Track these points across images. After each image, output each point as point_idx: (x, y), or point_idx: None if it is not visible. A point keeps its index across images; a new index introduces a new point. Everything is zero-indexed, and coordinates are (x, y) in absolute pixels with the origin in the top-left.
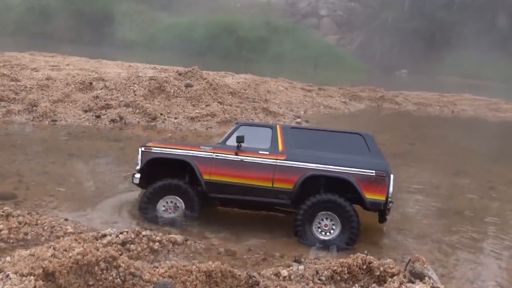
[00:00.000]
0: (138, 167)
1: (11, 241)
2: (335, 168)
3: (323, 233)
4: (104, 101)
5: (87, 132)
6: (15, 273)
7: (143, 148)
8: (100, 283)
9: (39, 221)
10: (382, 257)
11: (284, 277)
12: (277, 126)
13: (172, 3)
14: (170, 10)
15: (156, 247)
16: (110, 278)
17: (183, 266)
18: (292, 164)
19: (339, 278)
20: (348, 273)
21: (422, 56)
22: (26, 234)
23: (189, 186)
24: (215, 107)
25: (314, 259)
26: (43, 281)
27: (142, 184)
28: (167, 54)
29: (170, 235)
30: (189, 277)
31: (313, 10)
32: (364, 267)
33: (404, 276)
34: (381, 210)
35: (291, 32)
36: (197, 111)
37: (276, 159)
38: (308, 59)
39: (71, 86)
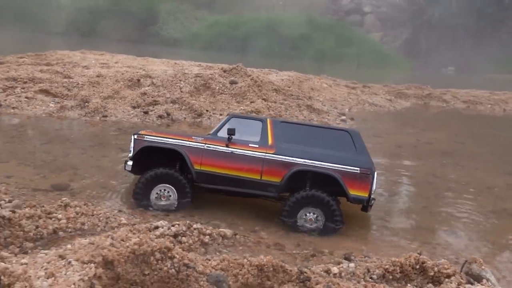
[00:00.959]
0: (130, 155)
1: (69, 230)
2: (322, 164)
3: (309, 224)
4: (152, 97)
5: (136, 128)
6: (77, 260)
7: (135, 136)
8: (155, 272)
9: (94, 212)
10: (435, 257)
11: (335, 274)
12: (268, 119)
13: (214, 1)
14: (213, 8)
15: (206, 240)
16: (165, 268)
17: (235, 260)
18: (280, 158)
19: (391, 277)
20: (400, 272)
21: (470, 53)
22: (83, 224)
23: (181, 174)
24: (259, 104)
25: (364, 257)
26: (102, 268)
27: (135, 170)
28: (210, 52)
29: (220, 229)
30: (240, 270)
31: (356, 7)
32: (417, 267)
33: (461, 277)
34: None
35: (334, 29)
36: (241, 107)
37: (266, 153)
38: (351, 56)
39: (120, 83)
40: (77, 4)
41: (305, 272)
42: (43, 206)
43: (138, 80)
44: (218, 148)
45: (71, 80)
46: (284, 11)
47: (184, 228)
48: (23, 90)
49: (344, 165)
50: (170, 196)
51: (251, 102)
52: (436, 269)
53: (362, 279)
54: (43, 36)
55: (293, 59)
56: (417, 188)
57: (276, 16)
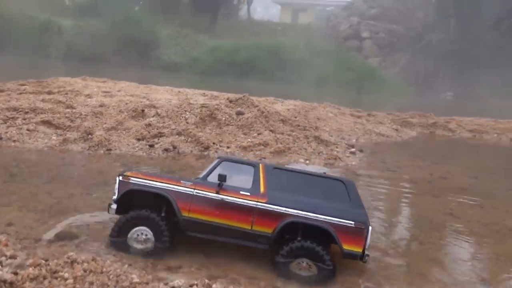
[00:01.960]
0: (114, 197)
1: None
2: (314, 216)
3: (303, 272)
4: (157, 129)
5: (141, 163)
6: None
7: (120, 178)
8: None
9: (104, 269)
10: None
11: None
12: (260, 164)
13: (214, 27)
14: (212, 33)
15: None
16: None
17: None
18: (272, 208)
19: None
20: None
21: (468, 78)
22: (91, 283)
23: (160, 218)
24: (267, 135)
25: None
26: None
27: (120, 212)
28: (210, 77)
29: None
30: None
31: (354, 32)
32: None
33: None
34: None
35: (333, 54)
36: (249, 140)
37: (257, 201)
38: (351, 81)
39: (124, 114)
40: (77, 28)
41: None
42: (48, 265)
43: (143, 111)
44: (208, 195)
45: (74, 110)
46: (282, 36)
47: None
48: (24, 122)
49: (338, 217)
50: (148, 239)
51: (258, 134)
52: None
53: None
54: (43, 60)
55: (293, 84)
56: (439, 232)
57: (276, 41)
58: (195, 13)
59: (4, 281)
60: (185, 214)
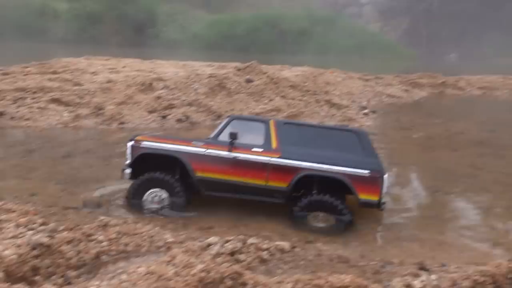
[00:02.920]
0: (127, 162)
1: (113, 253)
2: (329, 168)
3: (320, 223)
4: (167, 101)
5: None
6: None
7: (132, 142)
8: None
9: (137, 230)
10: None
11: None
12: (270, 121)
13: (210, 1)
14: (208, 8)
15: (265, 256)
16: None
17: (309, 280)
18: (286, 162)
19: None
20: (492, 283)
21: (471, 38)
22: (126, 245)
23: (173, 178)
24: (278, 101)
25: (442, 265)
26: None
27: (134, 177)
28: (211, 51)
29: (277, 243)
30: None
31: None
32: (510, 276)
33: None
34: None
35: (333, 22)
36: (261, 106)
37: (270, 157)
38: (353, 48)
39: (132, 88)
40: (74, 11)
41: None
42: (81, 228)
43: (151, 84)
44: (220, 154)
45: (81, 87)
46: (281, 7)
47: (239, 245)
48: (34, 101)
49: (352, 168)
50: (163, 199)
51: (269, 101)
52: None
53: None
54: (42, 45)
55: (295, 54)
56: (464, 182)
57: (275, 12)
58: None
59: (41, 244)
60: (199, 174)
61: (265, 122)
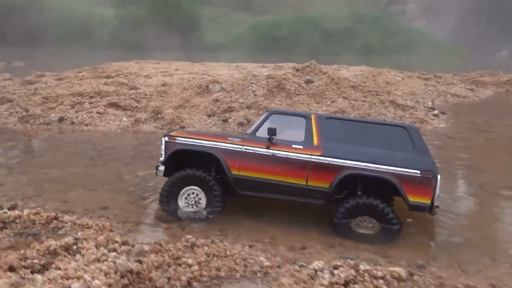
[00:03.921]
0: (162, 159)
1: (204, 279)
2: (376, 167)
3: (365, 230)
4: (226, 104)
5: None
6: None
7: (166, 138)
8: None
9: (227, 252)
10: None
11: None
12: (312, 115)
13: (251, 4)
14: (250, 10)
15: (382, 286)
16: None
17: None
18: (328, 161)
19: None
20: None
21: None
22: (218, 269)
23: (211, 177)
24: (341, 103)
25: None
26: None
27: (168, 174)
28: (254, 53)
29: (391, 269)
30: None
31: None
32: None
33: None
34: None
35: (377, 21)
36: (323, 108)
37: (311, 155)
38: (399, 47)
39: (188, 91)
40: (119, 16)
41: None
42: (169, 250)
43: (207, 86)
44: (258, 151)
45: (138, 91)
46: (324, 7)
47: (352, 272)
48: (92, 105)
49: (402, 167)
50: (199, 201)
51: (332, 102)
52: None
53: None
54: (89, 50)
55: (339, 54)
56: None
57: (317, 13)
58: None
59: (131, 271)
60: (235, 172)
61: (306, 117)
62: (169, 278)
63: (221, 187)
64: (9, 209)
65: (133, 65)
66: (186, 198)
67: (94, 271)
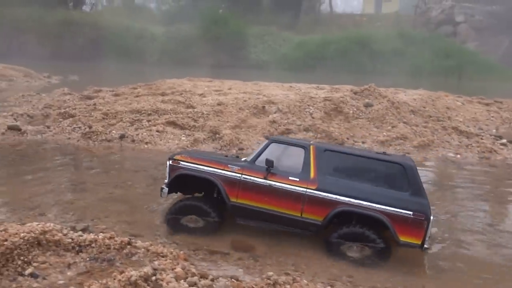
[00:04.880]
0: (166, 181)
1: None
2: (368, 205)
3: (354, 253)
4: (283, 125)
5: None
6: None
7: (170, 162)
8: None
9: None
10: None
11: None
12: (311, 146)
13: (297, 23)
14: (298, 29)
15: None
16: None
17: None
18: (322, 195)
19: None
20: None
21: None
22: None
23: (205, 204)
24: (402, 128)
25: None
26: None
27: (173, 190)
28: (301, 72)
29: None
30: None
31: (447, 17)
32: None
33: None
34: None
35: (428, 41)
36: (384, 133)
37: (307, 188)
38: (450, 69)
39: (245, 111)
40: (169, 34)
41: None
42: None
43: (263, 107)
44: (256, 180)
45: (195, 110)
46: (368, 27)
47: None
48: (150, 123)
49: (395, 207)
50: (199, 221)
51: (392, 127)
52: None
53: None
54: (139, 66)
55: (387, 75)
56: None
57: (365, 33)
58: (276, 11)
59: None
60: (233, 199)
61: (305, 148)
62: None
63: (219, 211)
64: (81, 231)
65: (186, 83)
66: (188, 220)
67: None
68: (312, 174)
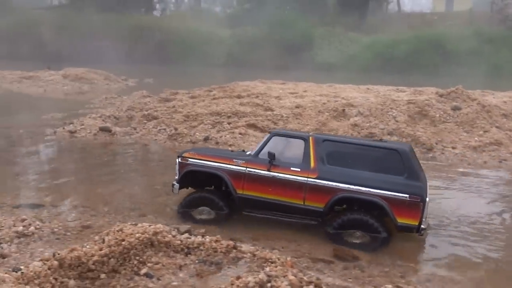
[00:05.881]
0: (176, 177)
1: None
2: (367, 190)
3: (356, 239)
4: (366, 129)
5: None
6: None
7: (179, 159)
8: None
9: None
10: None
11: None
12: (310, 137)
13: (364, 23)
14: (362, 30)
15: None
16: None
17: None
18: (323, 183)
19: None
20: None
21: None
22: None
23: (215, 196)
24: (496, 133)
25: None
26: None
27: (185, 186)
28: (368, 73)
29: None
30: None
31: None
32: None
33: None
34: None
35: (506, 40)
36: (476, 139)
37: (308, 177)
38: None
39: (324, 114)
40: (235, 36)
41: None
42: None
43: (343, 110)
44: (260, 172)
45: (273, 112)
46: (440, 26)
47: None
48: (231, 125)
49: (391, 191)
50: (210, 212)
51: (484, 132)
52: None
53: None
54: (206, 69)
55: (462, 77)
56: None
57: (438, 32)
58: (342, 11)
59: None
60: (239, 191)
61: (305, 139)
62: None
63: (228, 203)
64: (186, 233)
65: (259, 85)
66: (199, 211)
67: None
68: (312, 164)
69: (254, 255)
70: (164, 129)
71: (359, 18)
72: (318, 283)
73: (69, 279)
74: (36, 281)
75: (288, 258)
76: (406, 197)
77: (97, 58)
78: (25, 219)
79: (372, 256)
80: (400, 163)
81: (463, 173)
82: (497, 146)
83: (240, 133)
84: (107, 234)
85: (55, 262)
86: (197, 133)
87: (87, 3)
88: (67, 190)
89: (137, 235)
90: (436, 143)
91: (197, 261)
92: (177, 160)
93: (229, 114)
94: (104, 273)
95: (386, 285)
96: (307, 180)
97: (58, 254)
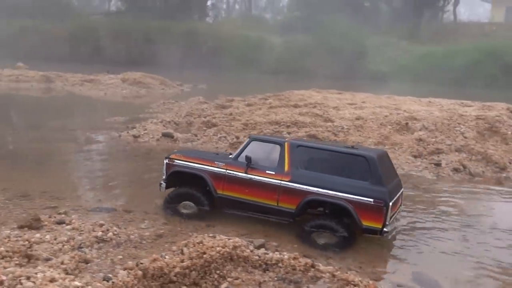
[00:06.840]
0: (164, 177)
1: None
2: (335, 194)
3: (323, 239)
4: (431, 144)
5: (433, 187)
6: None
7: (167, 160)
8: None
9: None
10: None
11: None
12: (285, 143)
13: (418, 33)
14: (417, 39)
15: None
16: None
17: None
18: (295, 186)
19: None
20: None
21: None
22: None
23: (198, 192)
24: None
25: None
26: None
27: (171, 186)
28: (421, 84)
29: None
30: None
31: None
32: None
33: None
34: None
35: None
36: None
37: (281, 180)
38: None
39: (387, 127)
40: (286, 44)
41: None
42: None
43: (406, 124)
44: (238, 174)
45: (334, 123)
46: (500, 37)
47: None
48: (291, 135)
49: (357, 195)
50: (193, 206)
51: None
52: None
53: None
54: (257, 75)
55: None
56: None
57: (500, 43)
58: (396, 21)
59: None
60: (220, 192)
61: (281, 145)
62: None
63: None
64: (260, 247)
65: (314, 94)
66: (183, 206)
67: None
68: (286, 168)
69: (334, 276)
70: (225, 136)
71: (413, 28)
72: None
73: None
74: None
75: (370, 282)
76: (370, 201)
77: (152, 63)
78: (103, 224)
79: (456, 283)
80: (367, 169)
81: None
82: None
83: None
84: (186, 246)
85: (139, 272)
86: None
87: (144, 9)
88: (136, 195)
89: (217, 248)
90: (510, 163)
91: (276, 279)
92: (164, 161)
93: (288, 124)
94: (186, 285)
95: None
96: (280, 183)
97: (141, 263)
